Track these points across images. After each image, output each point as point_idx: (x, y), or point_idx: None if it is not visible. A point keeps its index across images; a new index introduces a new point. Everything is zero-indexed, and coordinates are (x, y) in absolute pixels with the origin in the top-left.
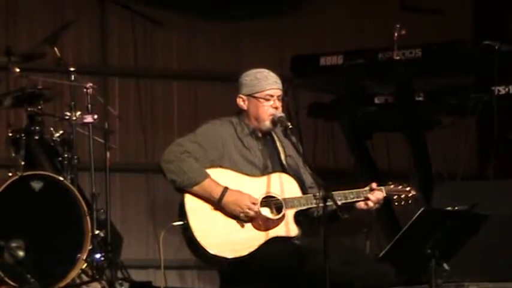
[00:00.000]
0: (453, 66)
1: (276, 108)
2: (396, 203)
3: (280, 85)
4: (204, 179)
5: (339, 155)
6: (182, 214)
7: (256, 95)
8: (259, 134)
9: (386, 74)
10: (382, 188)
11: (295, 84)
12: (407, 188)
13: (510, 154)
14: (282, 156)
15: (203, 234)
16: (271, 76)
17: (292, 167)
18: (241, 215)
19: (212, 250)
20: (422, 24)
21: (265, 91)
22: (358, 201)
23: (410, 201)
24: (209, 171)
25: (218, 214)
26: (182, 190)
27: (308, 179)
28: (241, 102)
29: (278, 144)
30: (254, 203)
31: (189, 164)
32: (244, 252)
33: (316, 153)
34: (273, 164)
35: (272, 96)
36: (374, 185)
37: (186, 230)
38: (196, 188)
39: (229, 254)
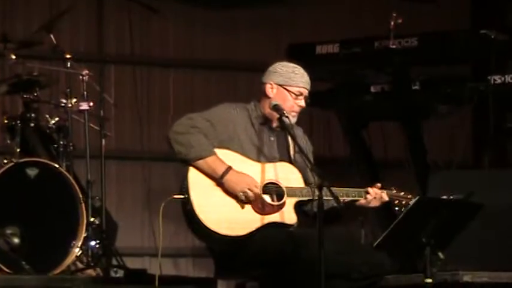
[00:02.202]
0: (449, 56)
1: (301, 106)
2: (396, 208)
3: (309, 87)
4: (210, 154)
5: (334, 143)
6: (184, 188)
7: (288, 87)
8: (273, 125)
9: (382, 63)
10: (385, 191)
11: None
12: (409, 196)
13: (506, 143)
14: (291, 152)
15: (203, 209)
16: (306, 76)
17: (300, 163)
18: (241, 194)
19: (209, 225)
20: (419, 14)
21: (298, 87)
22: (359, 199)
23: None
24: (216, 150)
25: (220, 191)
26: (186, 162)
27: (312, 178)
28: (270, 89)
29: (290, 140)
30: (255, 186)
31: (197, 138)
32: (241, 232)
33: (311, 142)
34: (281, 156)
35: (301, 94)
36: (378, 185)
37: (186, 203)
38: (200, 162)
39: (226, 232)
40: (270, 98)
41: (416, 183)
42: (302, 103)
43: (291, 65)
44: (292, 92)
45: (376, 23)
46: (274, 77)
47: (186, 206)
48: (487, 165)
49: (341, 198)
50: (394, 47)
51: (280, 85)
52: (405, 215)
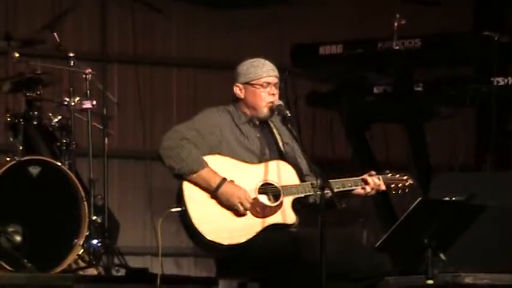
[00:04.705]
0: (452, 57)
1: (273, 94)
2: (394, 192)
3: (276, 73)
4: (202, 168)
5: (337, 144)
6: (180, 200)
7: (253, 82)
8: (257, 122)
9: (385, 64)
10: (380, 176)
11: (294, 73)
12: (405, 177)
13: (508, 145)
14: (280, 144)
15: (201, 220)
16: (268, 64)
17: (290, 154)
18: (236, 206)
19: (209, 236)
20: (422, 15)
21: (262, 78)
22: (356, 188)
23: (407, 190)
24: (207, 158)
25: (216, 201)
26: (180, 177)
27: (305, 166)
28: (238, 91)
29: (275, 131)
30: (247, 200)
31: (187, 151)
32: (242, 239)
33: (314, 142)
34: (271, 151)
35: (269, 83)
36: (372, 172)
37: (184, 216)
38: (194, 176)
39: (227, 241)
40: (243, 99)
41: (418, 185)
42: (274, 90)
43: (250, 60)
44: (259, 85)
45: (379, 24)
46: (238, 77)
47: (184, 218)
48: (489, 167)
49: (338, 189)
50: (397, 48)
51: (245, 83)
52: (407, 216)
